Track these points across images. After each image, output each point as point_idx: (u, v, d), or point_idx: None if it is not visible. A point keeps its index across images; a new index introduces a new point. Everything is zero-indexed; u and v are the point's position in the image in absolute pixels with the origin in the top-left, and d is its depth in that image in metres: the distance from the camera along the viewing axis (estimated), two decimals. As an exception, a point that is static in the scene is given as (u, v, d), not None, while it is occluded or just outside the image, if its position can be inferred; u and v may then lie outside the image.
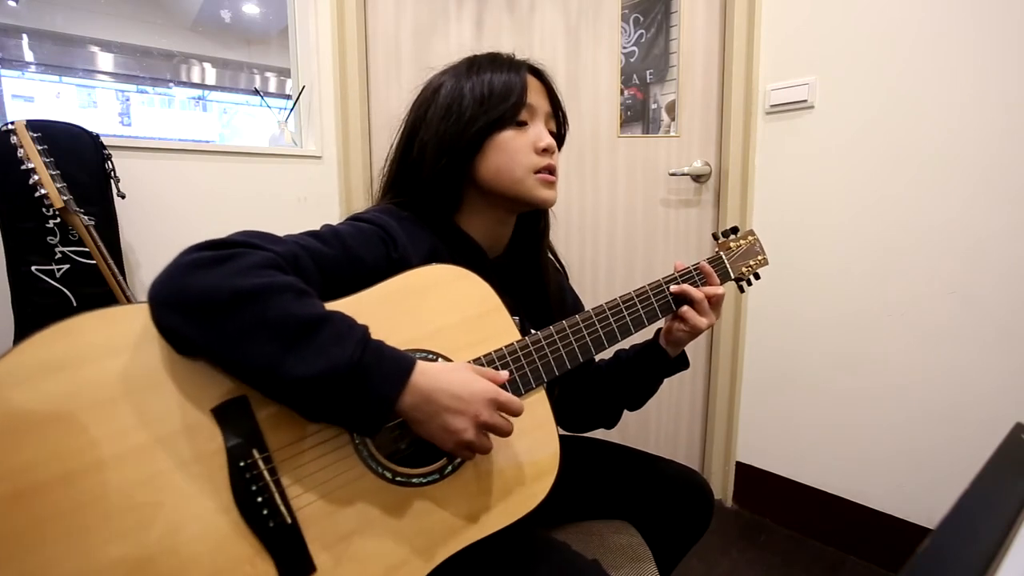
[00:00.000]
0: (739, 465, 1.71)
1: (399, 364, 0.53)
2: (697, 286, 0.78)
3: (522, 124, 0.72)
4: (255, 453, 0.51)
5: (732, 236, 0.86)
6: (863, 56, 1.36)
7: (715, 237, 0.87)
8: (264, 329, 0.49)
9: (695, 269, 0.79)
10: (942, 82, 1.25)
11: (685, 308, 0.77)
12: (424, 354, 0.61)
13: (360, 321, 0.54)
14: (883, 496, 1.42)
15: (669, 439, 1.80)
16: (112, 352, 0.49)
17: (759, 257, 0.86)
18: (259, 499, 0.51)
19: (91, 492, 0.46)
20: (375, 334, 0.54)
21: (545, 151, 0.73)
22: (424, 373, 0.54)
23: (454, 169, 0.71)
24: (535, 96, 0.74)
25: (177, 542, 0.48)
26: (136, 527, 0.47)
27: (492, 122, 0.70)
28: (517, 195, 0.73)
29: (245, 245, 0.54)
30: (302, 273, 0.57)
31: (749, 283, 0.87)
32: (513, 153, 0.71)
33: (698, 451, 1.80)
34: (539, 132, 0.74)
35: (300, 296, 0.52)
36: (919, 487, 1.36)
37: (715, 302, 0.78)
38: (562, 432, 0.92)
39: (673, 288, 0.77)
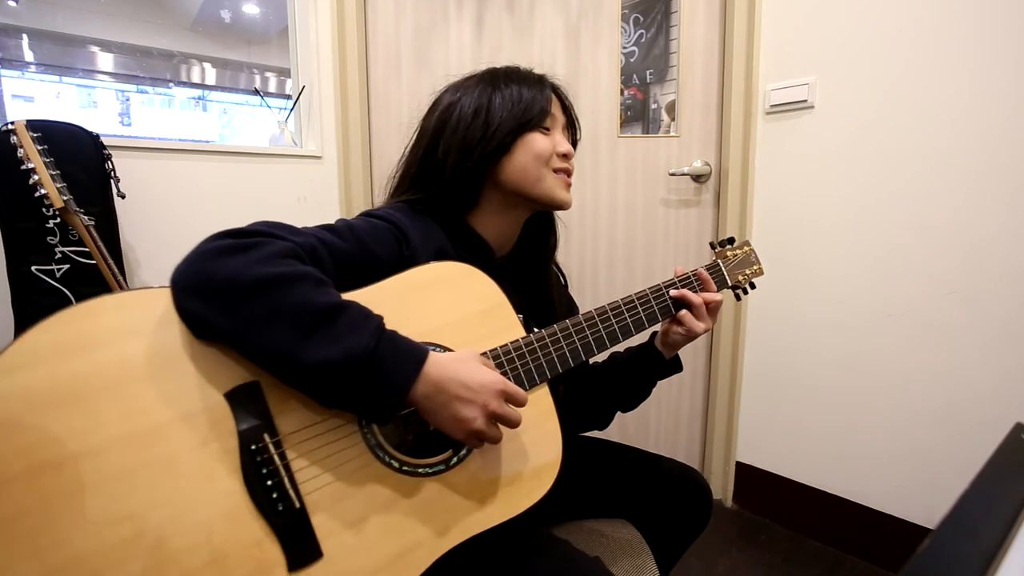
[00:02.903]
0: (739, 465, 1.71)
1: (413, 354, 0.55)
2: (696, 292, 0.80)
3: (546, 130, 0.77)
4: (266, 437, 0.52)
5: (729, 246, 0.89)
6: (863, 56, 1.36)
7: (712, 246, 0.89)
8: (283, 316, 0.50)
9: (694, 275, 0.81)
10: (942, 82, 1.25)
11: (683, 312, 0.78)
12: (433, 347, 0.61)
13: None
14: (883, 496, 1.42)
15: (669, 439, 1.80)
16: (127, 335, 0.50)
17: (755, 267, 0.89)
18: (269, 483, 0.51)
19: (103, 471, 0.47)
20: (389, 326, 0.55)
21: (565, 156, 0.78)
22: (436, 363, 0.55)
23: (480, 169, 0.74)
24: (555, 109, 0.78)
25: (187, 523, 0.48)
26: (146, 507, 0.47)
27: (522, 124, 0.74)
28: (540, 194, 0.76)
29: (266, 235, 0.55)
30: (319, 264, 0.58)
31: (745, 292, 0.89)
32: (539, 153, 0.75)
33: (698, 451, 1.80)
34: (560, 138, 0.78)
35: (318, 285, 0.53)
36: (919, 487, 1.36)
37: (712, 308, 0.80)
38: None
39: (673, 292, 0.79)
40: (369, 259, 0.64)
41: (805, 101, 1.45)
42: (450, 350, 0.62)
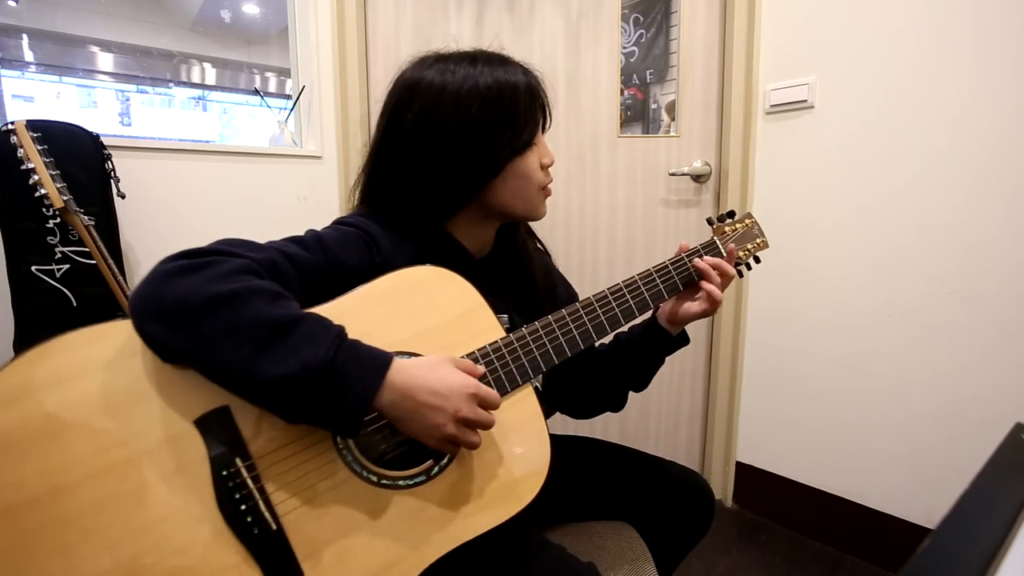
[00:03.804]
0: (739, 465, 1.71)
1: (376, 361, 0.53)
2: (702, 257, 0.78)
3: (534, 144, 0.72)
4: (238, 462, 0.52)
5: (728, 220, 0.84)
6: (863, 56, 1.36)
7: (710, 222, 0.85)
8: (238, 332, 0.49)
9: (693, 252, 0.79)
10: (942, 82, 1.25)
11: (702, 282, 0.76)
12: (405, 356, 0.60)
13: (342, 324, 0.54)
14: (883, 496, 1.42)
15: (669, 439, 1.80)
16: (98, 369, 0.50)
17: (758, 240, 0.84)
18: (243, 507, 0.51)
19: (79, 506, 0.47)
20: (358, 337, 0.54)
21: (547, 168, 0.74)
22: (401, 370, 0.54)
23: (468, 189, 0.70)
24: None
25: (164, 552, 0.48)
26: (123, 539, 0.47)
27: (519, 148, 0.70)
28: (527, 214, 0.75)
29: (221, 253, 0.54)
30: (281, 278, 0.57)
31: (748, 267, 0.85)
32: (530, 177, 0.72)
33: (698, 451, 1.80)
34: (544, 147, 0.74)
35: (274, 299, 0.52)
36: (919, 487, 1.36)
37: (723, 273, 0.78)
38: (559, 431, 0.92)
39: (700, 261, 0.76)
40: (337, 268, 0.62)
41: (805, 101, 1.45)
42: None
